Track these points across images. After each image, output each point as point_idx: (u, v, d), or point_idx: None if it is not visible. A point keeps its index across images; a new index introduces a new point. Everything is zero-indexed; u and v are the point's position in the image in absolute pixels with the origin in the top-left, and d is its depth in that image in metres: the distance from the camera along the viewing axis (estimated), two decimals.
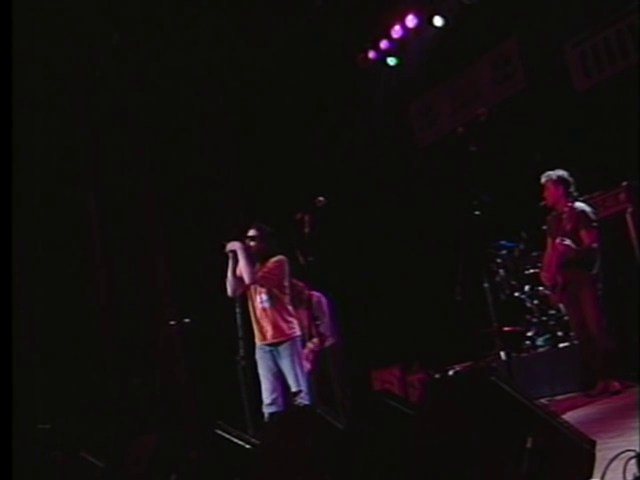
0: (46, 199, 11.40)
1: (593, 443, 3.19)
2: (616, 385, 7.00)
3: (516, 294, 8.89)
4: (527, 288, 8.77)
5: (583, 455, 3.14)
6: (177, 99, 11.98)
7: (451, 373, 8.95)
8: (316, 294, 8.27)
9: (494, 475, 3.18)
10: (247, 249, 7.22)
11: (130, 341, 11.46)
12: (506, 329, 8.15)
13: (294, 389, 7.02)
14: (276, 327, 7.15)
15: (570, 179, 7.40)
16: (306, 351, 7.83)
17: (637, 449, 3.31)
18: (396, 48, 11.25)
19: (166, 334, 10.10)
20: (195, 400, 11.48)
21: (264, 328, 7.20)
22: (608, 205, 8.15)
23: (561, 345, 8.33)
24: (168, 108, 11.99)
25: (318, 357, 8.09)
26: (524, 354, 8.62)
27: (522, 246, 8.93)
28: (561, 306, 8.06)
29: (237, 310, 7.31)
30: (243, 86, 11.99)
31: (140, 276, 11.85)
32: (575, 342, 7.76)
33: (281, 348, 7.13)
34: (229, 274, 7.25)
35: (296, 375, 7.04)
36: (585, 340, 7.36)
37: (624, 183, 8.07)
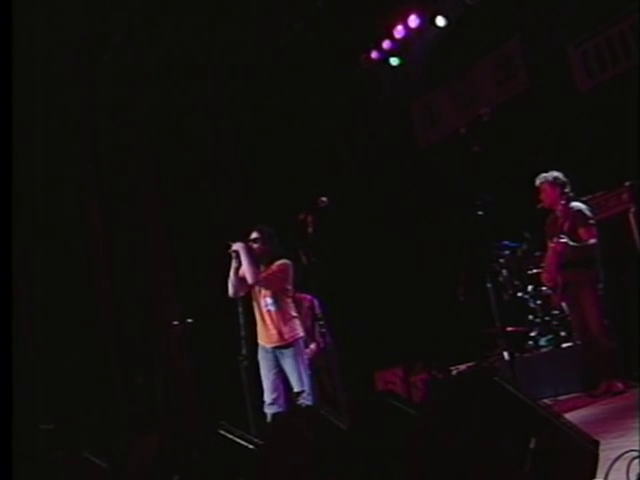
0: (48, 199, 11.41)
1: (596, 443, 3.18)
2: (619, 385, 6.99)
3: (519, 294, 8.88)
4: (530, 288, 8.77)
5: (586, 455, 3.14)
6: (179, 100, 11.98)
7: (454, 373, 8.95)
8: (308, 297, 8.28)
9: (497, 475, 3.18)
10: (250, 250, 7.23)
11: (133, 341, 11.47)
12: (509, 329, 8.14)
13: (297, 389, 7.03)
14: (281, 330, 7.16)
15: (565, 180, 7.40)
16: (307, 352, 7.83)
17: None
18: (398, 48, 11.26)
19: (169, 334, 10.10)
20: (198, 400, 11.49)
21: (270, 331, 7.21)
22: (611, 205, 8.15)
23: (564, 345, 8.33)
24: (170, 109, 11.99)
25: (318, 359, 8.10)
26: (527, 354, 8.62)
27: (525, 246, 8.93)
28: (564, 305, 8.05)
29: (239, 310, 7.32)
30: (245, 86, 12.00)
31: (143, 276, 11.85)
32: (578, 342, 7.76)
33: (285, 350, 7.14)
34: (231, 274, 7.25)
35: (299, 375, 7.05)
36: (587, 340, 7.36)
37: (627, 183, 8.06)
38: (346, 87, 11.53)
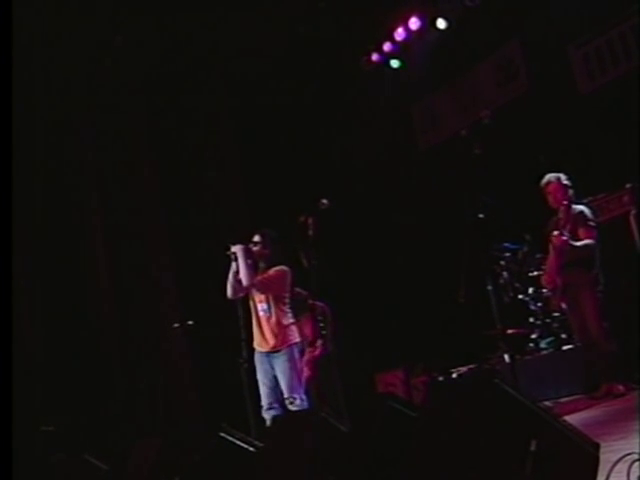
0: (48, 200, 11.40)
1: (597, 446, 3.18)
2: (620, 388, 6.99)
3: (520, 296, 8.88)
4: (531, 290, 8.76)
5: (587, 458, 3.14)
6: (180, 101, 11.98)
7: (455, 375, 8.95)
8: (320, 304, 8.28)
9: (498, 478, 3.18)
10: (248, 252, 7.24)
11: (134, 343, 11.47)
12: (510, 331, 8.14)
13: (286, 395, 7.04)
14: (275, 336, 7.17)
15: (569, 182, 7.44)
16: (306, 358, 7.82)
17: None
18: (399, 51, 11.27)
19: (170, 336, 10.10)
20: (199, 402, 11.48)
21: (263, 336, 7.23)
22: (612, 207, 8.16)
23: (565, 347, 8.33)
24: (171, 110, 11.99)
25: (319, 363, 8.10)
26: (528, 356, 8.61)
27: (526, 248, 8.93)
28: (564, 307, 8.05)
29: (239, 313, 7.33)
30: (246, 88, 12.00)
31: (144, 279, 11.85)
32: (578, 345, 7.76)
33: (278, 355, 7.15)
34: (230, 276, 7.27)
35: (290, 381, 7.06)
36: (586, 342, 7.37)
37: (628, 185, 8.06)
38: (347, 89, 11.53)
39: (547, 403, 7.30)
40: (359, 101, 11.65)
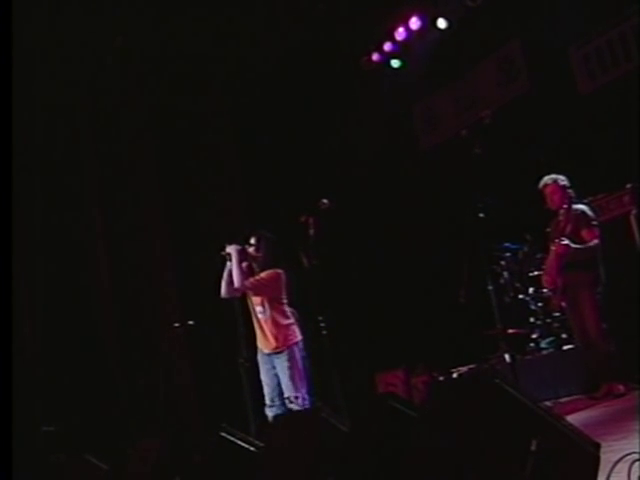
0: (48, 200, 11.40)
1: (597, 446, 3.18)
2: (620, 388, 7.00)
3: (520, 296, 8.89)
4: (531, 290, 8.77)
5: (587, 458, 3.14)
6: (180, 102, 11.98)
7: (455, 375, 8.95)
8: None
9: (498, 478, 3.18)
10: (243, 254, 7.25)
11: (134, 343, 11.47)
12: (510, 331, 8.14)
13: (287, 394, 7.05)
14: (275, 337, 7.20)
15: (568, 182, 7.45)
16: None
17: None
18: (400, 50, 11.26)
19: (170, 336, 10.10)
20: (199, 402, 11.48)
21: (264, 337, 7.27)
22: (612, 207, 8.16)
23: (565, 347, 8.33)
24: (171, 110, 11.99)
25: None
26: (528, 356, 8.62)
27: (526, 248, 8.93)
28: (565, 307, 8.05)
29: (238, 312, 7.33)
30: (246, 88, 12.00)
31: (144, 278, 11.85)
32: (579, 345, 7.76)
33: (279, 355, 7.18)
34: (225, 275, 7.29)
35: (291, 381, 7.07)
36: (586, 343, 7.37)
37: (628, 185, 8.06)
38: (347, 89, 11.52)
39: (547, 403, 7.29)
40: (359, 101, 11.64)
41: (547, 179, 7.50)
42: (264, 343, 7.28)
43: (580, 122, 9.26)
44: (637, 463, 3.28)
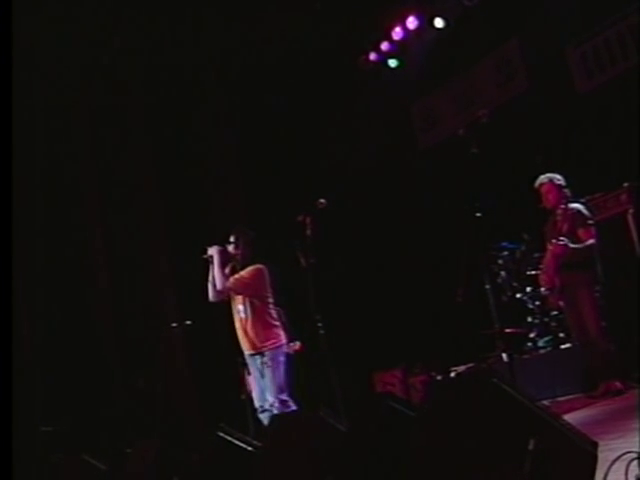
0: (47, 201, 11.40)
1: (595, 445, 3.18)
2: (617, 384, 7.00)
3: (518, 295, 8.89)
4: (529, 289, 8.77)
5: (585, 457, 3.14)
6: (179, 101, 11.98)
7: (453, 375, 8.95)
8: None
9: (496, 477, 3.18)
10: (223, 254, 7.21)
11: (132, 343, 11.47)
12: (508, 331, 8.14)
13: (270, 398, 6.98)
14: (254, 338, 7.14)
15: (564, 181, 7.46)
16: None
17: (639, 450, 3.31)
18: (397, 50, 11.27)
19: (168, 336, 10.10)
20: (197, 402, 11.48)
21: (244, 337, 7.21)
22: (609, 206, 8.16)
23: (563, 346, 8.34)
24: (170, 110, 11.99)
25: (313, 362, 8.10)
26: (526, 356, 8.62)
27: (524, 247, 8.93)
28: (562, 306, 8.05)
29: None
30: (244, 88, 11.99)
31: (142, 278, 11.85)
32: (576, 344, 7.76)
33: (262, 357, 7.12)
34: (210, 278, 7.26)
35: (272, 384, 7.01)
36: (584, 342, 7.37)
37: (625, 184, 8.07)
38: (344, 89, 11.52)
39: (545, 402, 7.29)
40: (357, 100, 11.64)
41: (542, 178, 7.51)
42: (246, 344, 7.21)
43: (578, 121, 9.26)
44: (635, 462, 3.28)
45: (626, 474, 3.27)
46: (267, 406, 7.04)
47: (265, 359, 7.07)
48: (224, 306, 7.52)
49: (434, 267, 10.24)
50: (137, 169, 12.16)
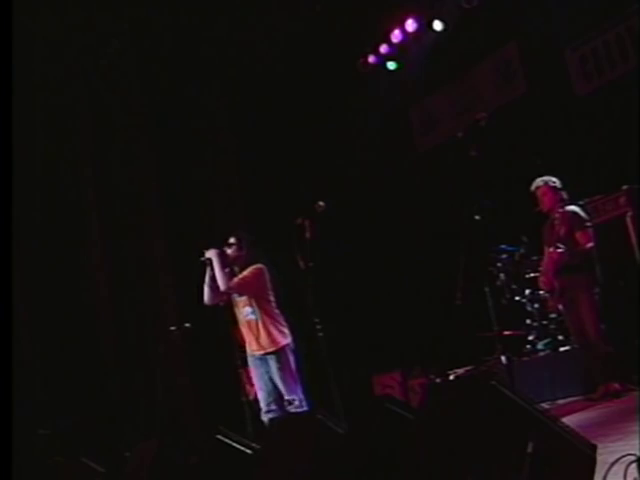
0: (46, 203, 11.40)
1: (594, 447, 3.19)
2: (616, 387, 7.00)
3: (517, 298, 8.89)
4: (528, 292, 8.77)
5: (584, 459, 3.14)
6: (178, 103, 11.98)
7: (452, 377, 8.95)
8: None
9: None
10: (222, 256, 7.23)
11: (131, 346, 11.46)
12: (507, 333, 8.13)
13: (287, 397, 7.02)
14: (264, 339, 7.16)
15: (560, 184, 7.46)
16: None
17: (638, 453, 3.31)
18: (396, 53, 11.26)
19: (167, 339, 10.09)
20: (196, 405, 11.47)
21: (253, 340, 7.22)
22: (608, 209, 8.16)
23: (562, 349, 8.33)
24: (169, 111, 11.99)
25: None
26: (525, 358, 8.61)
27: (523, 250, 8.93)
28: (561, 309, 8.05)
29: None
30: (244, 91, 11.99)
31: (141, 280, 11.84)
32: (575, 346, 7.76)
33: (270, 358, 7.14)
34: (207, 281, 7.26)
35: (286, 383, 7.04)
36: (584, 344, 7.37)
37: (624, 187, 8.07)
38: (343, 92, 11.52)
39: (544, 405, 7.30)
40: (355, 103, 11.64)
41: (538, 181, 7.51)
42: (255, 345, 7.22)
43: (576, 124, 9.27)
44: (634, 464, 3.28)
45: (625, 477, 3.27)
46: (274, 406, 7.07)
47: (278, 359, 7.09)
48: (224, 309, 7.51)
49: (433, 269, 10.24)
50: (136, 171, 12.15)
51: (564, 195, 7.39)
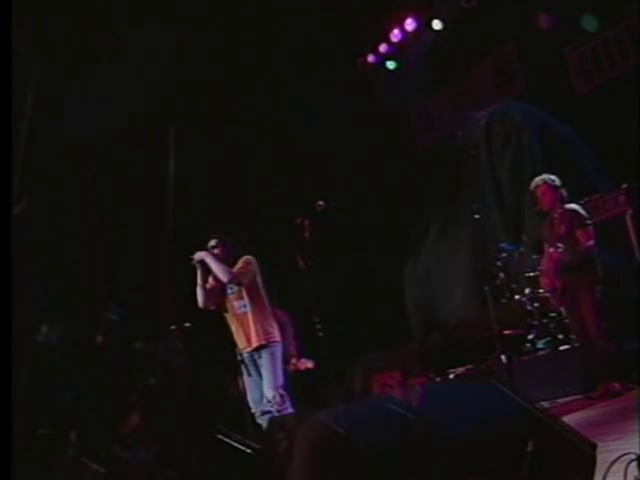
0: (45, 199, 11.39)
1: (594, 446, 3.19)
2: (616, 386, 6.99)
3: (516, 297, 8.89)
4: (527, 291, 8.76)
5: (584, 458, 3.14)
6: (177, 101, 11.97)
7: (452, 376, 8.96)
8: (278, 310, 8.19)
9: (495, 478, 3.18)
10: (214, 255, 7.28)
11: (131, 345, 11.45)
12: (507, 332, 8.15)
13: (270, 394, 6.99)
14: (258, 332, 7.16)
15: (560, 182, 7.45)
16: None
17: (638, 452, 3.31)
18: (395, 52, 11.27)
19: (167, 338, 10.09)
20: (196, 404, 11.46)
21: (246, 334, 7.21)
22: (608, 207, 8.17)
23: (562, 348, 8.32)
24: (168, 110, 11.98)
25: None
26: (525, 357, 8.61)
27: (522, 249, 8.93)
28: (561, 308, 8.05)
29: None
30: (243, 90, 11.99)
31: (142, 280, 11.83)
32: (576, 345, 7.76)
33: (262, 353, 7.13)
34: (199, 285, 7.28)
35: (274, 378, 7.03)
36: (586, 343, 7.36)
37: (624, 185, 8.08)
38: (343, 91, 11.52)
39: (544, 404, 7.29)
40: (355, 102, 11.64)
41: (538, 180, 7.49)
42: (243, 341, 7.21)
43: (576, 122, 9.26)
44: (634, 463, 3.28)
45: (625, 475, 3.27)
46: (266, 407, 7.04)
47: (265, 354, 7.09)
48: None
49: (432, 269, 10.23)
50: (136, 170, 12.14)
51: (564, 193, 7.38)
